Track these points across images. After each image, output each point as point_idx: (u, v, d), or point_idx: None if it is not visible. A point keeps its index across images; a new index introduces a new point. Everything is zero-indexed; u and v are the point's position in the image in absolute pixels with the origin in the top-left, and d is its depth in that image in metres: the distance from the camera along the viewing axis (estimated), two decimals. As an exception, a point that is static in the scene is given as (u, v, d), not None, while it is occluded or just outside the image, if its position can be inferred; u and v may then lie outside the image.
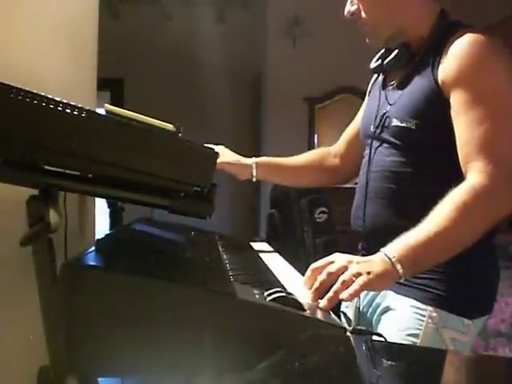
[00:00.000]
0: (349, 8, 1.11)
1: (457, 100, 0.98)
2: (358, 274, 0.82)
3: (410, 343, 1.00)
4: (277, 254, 1.36)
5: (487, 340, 2.16)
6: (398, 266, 0.85)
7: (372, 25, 1.09)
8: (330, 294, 0.82)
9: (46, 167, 0.76)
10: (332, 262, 0.86)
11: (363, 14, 1.09)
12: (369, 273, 0.83)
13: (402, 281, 1.02)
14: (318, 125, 4.39)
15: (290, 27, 4.25)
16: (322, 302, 0.82)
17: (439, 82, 1.00)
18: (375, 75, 1.27)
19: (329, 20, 3.82)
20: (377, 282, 0.84)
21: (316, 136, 4.39)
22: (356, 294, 0.80)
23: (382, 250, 0.88)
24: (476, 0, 3.90)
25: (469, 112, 0.96)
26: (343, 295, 0.80)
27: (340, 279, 0.82)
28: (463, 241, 0.92)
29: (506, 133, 0.95)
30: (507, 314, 2.20)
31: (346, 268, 0.84)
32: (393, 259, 0.85)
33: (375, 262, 0.86)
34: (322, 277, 0.84)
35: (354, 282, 0.81)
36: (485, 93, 0.96)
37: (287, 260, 1.25)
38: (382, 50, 1.19)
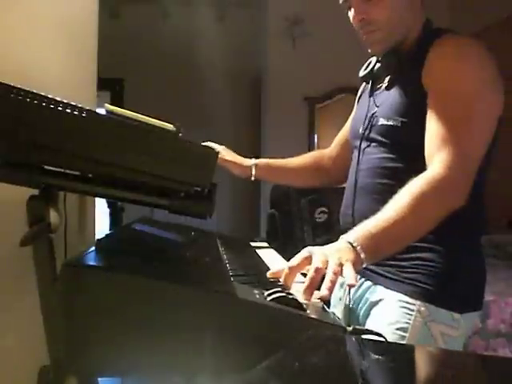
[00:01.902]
0: (354, 15, 1.10)
1: (431, 98, 1.03)
2: (341, 264, 0.83)
3: (399, 337, 1.02)
4: (273, 250, 1.39)
5: (487, 340, 2.16)
6: (362, 255, 0.87)
7: (386, 31, 1.09)
8: (328, 283, 0.80)
9: (46, 167, 0.76)
10: (308, 257, 0.85)
11: (376, 20, 1.08)
12: (347, 260, 0.84)
13: (390, 275, 1.05)
14: (317, 125, 4.39)
15: (289, 27, 4.25)
16: (322, 292, 0.80)
17: (423, 83, 1.04)
18: (362, 84, 1.32)
19: (329, 20, 3.82)
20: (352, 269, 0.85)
21: (316, 136, 4.38)
22: (356, 278, 0.82)
23: (343, 237, 0.89)
24: (475, 0, 3.90)
25: (439, 109, 1.01)
26: (350, 281, 0.80)
27: (330, 270, 0.81)
28: (420, 228, 0.96)
29: (470, 131, 0.99)
30: (507, 314, 2.20)
31: (326, 261, 0.83)
32: (358, 248, 0.87)
33: (345, 250, 0.86)
34: (311, 274, 0.82)
35: (340, 270, 0.82)
36: (456, 93, 1.01)
37: (287, 260, 1.25)
38: (370, 59, 1.23)
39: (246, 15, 4.86)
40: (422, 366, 0.63)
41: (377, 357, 0.66)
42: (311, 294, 0.83)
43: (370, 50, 1.14)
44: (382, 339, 0.76)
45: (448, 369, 0.65)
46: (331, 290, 0.81)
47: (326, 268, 0.83)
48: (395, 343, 0.95)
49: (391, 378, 0.59)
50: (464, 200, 0.97)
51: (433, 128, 1.00)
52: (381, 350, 0.69)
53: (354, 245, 0.87)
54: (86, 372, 0.79)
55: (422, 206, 0.93)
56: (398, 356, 0.67)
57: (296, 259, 0.87)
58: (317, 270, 0.83)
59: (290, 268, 0.86)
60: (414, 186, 0.94)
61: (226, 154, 1.40)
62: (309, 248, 0.89)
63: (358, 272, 0.90)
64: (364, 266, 0.88)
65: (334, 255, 0.85)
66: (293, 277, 0.86)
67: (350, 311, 1.16)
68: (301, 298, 0.81)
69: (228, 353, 0.74)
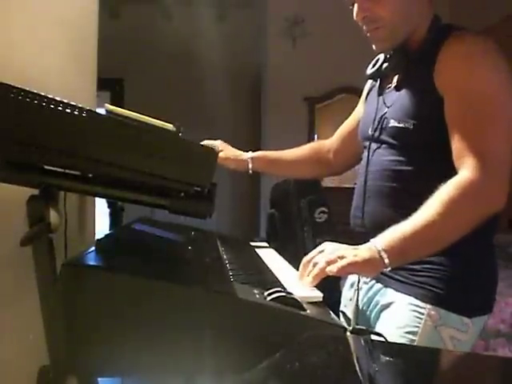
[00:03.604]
0: (358, 11, 1.08)
1: (450, 100, 1.00)
2: (343, 257, 0.88)
3: (409, 341, 1.01)
4: (272, 250, 1.39)
5: (487, 340, 2.16)
6: (384, 255, 0.90)
7: (389, 29, 1.07)
8: (315, 271, 0.88)
9: (46, 167, 0.76)
10: (321, 251, 0.92)
11: (380, 17, 1.06)
12: (355, 255, 0.89)
13: (401, 278, 1.04)
14: (317, 125, 4.38)
15: (290, 27, 4.25)
16: (307, 279, 0.89)
17: (435, 83, 1.02)
18: (369, 81, 1.30)
19: (329, 20, 3.82)
20: (362, 265, 0.89)
21: (316, 136, 4.38)
22: (343, 269, 0.86)
23: (370, 240, 0.93)
24: (476, 0, 3.90)
25: (461, 112, 0.99)
26: (330, 268, 0.86)
27: (325, 258, 0.88)
28: (449, 234, 0.95)
29: (497, 131, 0.98)
30: (507, 314, 2.19)
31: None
32: (379, 248, 0.90)
33: (362, 249, 0.91)
34: (309, 268, 0.90)
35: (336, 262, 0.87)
36: (477, 93, 0.99)
37: (287, 260, 1.26)
38: (378, 56, 1.21)
39: (246, 15, 4.86)
40: (422, 365, 0.63)
41: (377, 356, 0.66)
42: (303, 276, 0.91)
43: (374, 48, 1.13)
44: (382, 339, 0.76)
45: (448, 369, 0.65)
46: (317, 278, 0.88)
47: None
48: (395, 343, 0.95)
49: (391, 377, 0.59)
50: (502, 203, 0.95)
51: (456, 132, 0.99)
52: (381, 349, 0.69)
53: (376, 246, 0.90)
54: (86, 372, 0.79)
55: (452, 211, 0.93)
56: (397, 356, 0.67)
57: (310, 254, 0.93)
58: (314, 264, 0.90)
59: (304, 264, 0.93)
60: (444, 192, 0.94)
61: (222, 148, 1.41)
62: (327, 243, 0.94)
63: (377, 273, 0.97)
64: (388, 268, 0.91)
65: (340, 251, 0.90)
66: (306, 271, 0.92)
67: (361, 313, 1.15)
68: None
69: (228, 353, 0.74)
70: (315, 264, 0.90)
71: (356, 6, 1.09)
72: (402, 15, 1.07)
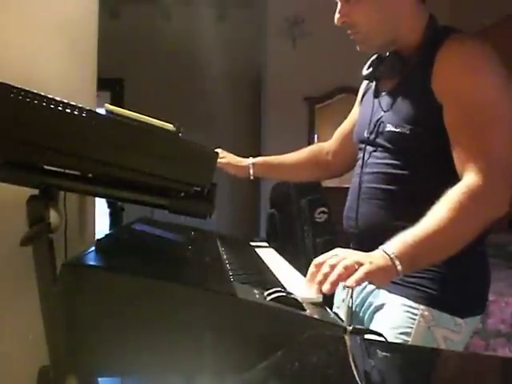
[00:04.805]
0: (338, 17, 1.11)
1: (450, 106, 1.00)
2: (360, 263, 0.84)
3: (402, 341, 1.01)
4: (272, 250, 1.39)
5: (487, 340, 2.16)
6: (397, 263, 0.87)
7: (363, 33, 1.09)
8: (333, 277, 0.82)
9: (46, 167, 0.76)
10: (334, 256, 0.87)
11: (355, 22, 1.08)
12: (371, 262, 0.84)
13: (394, 280, 1.04)
14: (317, 125, 4.38)
15: (289, 27, 4.25)
16: (325, 286, 0.82)
17: (432, 88, 1.02)
18: (365, 82, 1.30)
19: (329, 20, 3.79)
20: (378, 274, 0.85)
21: (316, 136, 4.38)
22: (360, 280, 0.81)
23: (380, 247, 0.90)
24: (476, 0, 3.90)
25: (462, 118, 0.99)
26: (348, 282, 0.81)
27: (342, 264, 0.83)
28: (460, 239, 0.94)
29: (499, 135, 0.98)
30: (507, 314, 2.19)
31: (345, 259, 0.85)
32: (392, 255, 0.87)
33: (376, 256, 0.88)
34: (324, 269, 0.85)
35: (356, 269, 0.83)
36: (477, 99, 0.99)
37: (287, 260, 1.26)
38: (373, 57, 1.21)
39: (246, 15, 4.86)
40: (422, 366, 0.63)
41: (377, 356, 0.66)
42: (321, 288, 0.83)
43: (358, 49, 1.14)
44: (382, 339, 0.76)
45: (448, 369, 0.65)
46: (334, 284, 0.82)
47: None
48: (395, 343, 0.95)
49: (391, 377, 0.59)
50: (505, 207, 0.95)
51: (459, 137, 0.98)
52: (381, 349, 0.69)
53: (388, 253, 0.87)
54: (86, 372, 0.79)
55: (462, 216, 0.91)
56: (398, 356, 0.67)
57: (323, 256, 0.88)
58: (331, 266, 0.84)
59: (316, 265, 0.88)
60: (452, 197, 0.93)
61: (223, 155, 1.42)
62: (339, 249, 0.90)
63: (389, 282, 0.91)
64: (400, 276, 0.88)
65: (355, 256, 0.86)
66: (318, 273, 0.86)
67: (354, 314, 1.15)
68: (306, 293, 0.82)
69: (228, 353, 0.74)
70: (331, 267, 0.84)
71: (337, 9, 1.11)
72: (378, 21, 1.08)
